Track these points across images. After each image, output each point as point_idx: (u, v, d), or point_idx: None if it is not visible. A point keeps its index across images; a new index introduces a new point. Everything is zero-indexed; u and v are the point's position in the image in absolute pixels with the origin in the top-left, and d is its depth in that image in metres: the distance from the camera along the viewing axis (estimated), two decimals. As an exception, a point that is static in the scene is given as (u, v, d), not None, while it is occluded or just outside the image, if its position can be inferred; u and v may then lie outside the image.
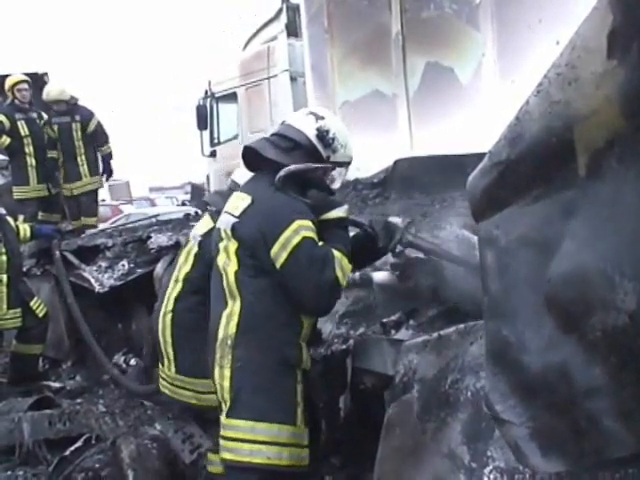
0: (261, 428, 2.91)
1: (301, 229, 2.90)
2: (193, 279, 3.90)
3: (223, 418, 3.04)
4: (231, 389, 2.99)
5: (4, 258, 5.91)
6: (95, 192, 8.72)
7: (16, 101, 8.31)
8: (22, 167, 8.34)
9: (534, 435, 1.57)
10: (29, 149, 8.31)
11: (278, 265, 2.92)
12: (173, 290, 3.94)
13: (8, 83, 8.43)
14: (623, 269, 1.31)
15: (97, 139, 8.53)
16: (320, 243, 2.96)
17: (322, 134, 3.09)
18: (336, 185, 3.21)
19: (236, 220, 3.06)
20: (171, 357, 3.87)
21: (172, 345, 3.86)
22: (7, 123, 8.17)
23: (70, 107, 8.38)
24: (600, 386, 1.40)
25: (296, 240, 2.89)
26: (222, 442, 3.03)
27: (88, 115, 8.48)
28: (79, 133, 8.37)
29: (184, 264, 3.98)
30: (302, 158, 3.07)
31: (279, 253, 2.90)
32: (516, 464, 1.86)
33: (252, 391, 2.95)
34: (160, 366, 4.02)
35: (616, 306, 1.32)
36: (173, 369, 3.88)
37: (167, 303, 3.93)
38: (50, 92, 8.35)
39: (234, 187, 3.81)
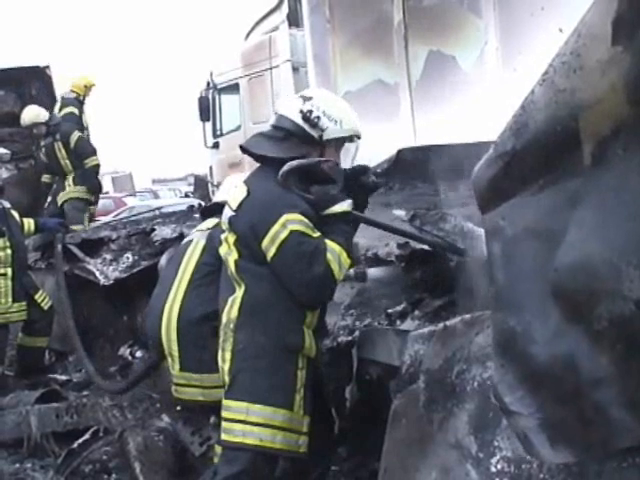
0: (255, 410, 2.94)
1: (289, 223, 2.90)
2: (201, 269, 3.87)
3: (223, 400, 3.07)
4: (230, 371, 3.02)
5: (9, 252, 5.93)
6: (79, 201, 8.40)
7: (81, 97, 8.88)
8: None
9: (543, 426, 1.56)
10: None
11: (268, 258, 2.95)
12: (180, 287, 3.89)
13: (86, 81, 9.01)
14: (629, 257, 1.31)
15: (80, 153, 8.32)
16: (317, 234, 2.95)
17: (306, 115, 3.04)
18: (349, 164, 3.20)
19: (233, 214, 3.09)
20: (175, 354, 3.82)
21: (177, 341, 3.81)
22: (77, 114, 8.75)
23: (51, 128, 8.24)
24: (607, 376, 1.39)
25: (284, 235, 2.90)
26: (222, 424, 3.06)
27: (68, 131, 8.32)
28: (63, 151, 8.25)
29: (190, 258, 3.94)
30: (296, 145, 3.06)
31: (268, 247, 2.93)
32: (523, 454, 1.86)
33: (250, 373, 2.98)
34: (167, 366, 4.00)
35: (622, 295, 1.31)
36: (177, 367, 3.84)
37: (175, 297, 3.87)
38: (25, 118, 8.24)
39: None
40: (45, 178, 8.66)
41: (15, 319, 6.03)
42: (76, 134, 8.31)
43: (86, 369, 5.71)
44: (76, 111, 8.77)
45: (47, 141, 8.28)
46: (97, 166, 8.49)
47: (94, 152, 8.47)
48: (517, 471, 2.04)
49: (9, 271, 5.93)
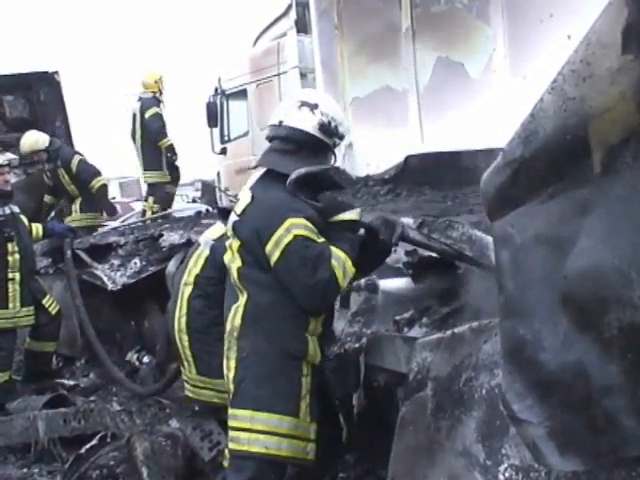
0: (260, 418, 2.93)
1: (293, 227, 2.89)
2: (201, 283, 3.93)
3: (229, 408, 3.06)
4: (235, 379, 3.02)
5: (17, 256, 5.94)
6: (82, 229, 7.92)
7: (157, 94, 9.02)
8: (159, 154, 8.93)
9: (551, 434, 1.56)
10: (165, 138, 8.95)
11: (272, 263, 2.94)
12: (184, 293, 3.97)
13: (153, 77, 9.09)
14: (639, 265, 1.30)
15: (84, 178, 8.10)
16: (321, 240, 2.94)
17: (325, 127, 3.04)
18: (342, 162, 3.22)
19: (237, 219, 3.08)
20: (190, 359, 3.93)
21: (189, 347, 3.91)
22: (161, 114, 8.95)
23: (52, 154, 8.02)
24: (617, 384, 1.39)
25: (287, 239, 2.89)
26: (229, 432, 3.06)
27: (68, 156, 8.12)
28: (67, 177, 8.06)
29: (194, 267, 4.01)
30: (310, 154, 3.05)
31: (272, 251, 2.92)
32: (531, 462, 1.86)
33: (254, 381, 2.97)
34: (182, 369, 4.06)
35: (632, 303, 1.31)
36: (194, 370, 3.94)
37: (180, 306, 3.96)
38: (24, 144, 7.99)
39: None
40: (47, 199, 8.47)
41: (23, 324, 6.04)
42: (76, 158, 8.12)
43: (113, 374, 5.73)
44: (159, 110, 8.93)
45: (49, 166, 8.09)
46: (104, 186, 8.37)
47: (98, 173, 8.31)
48: (525, 479, 2.03)
49: (17, 276, 5.93)
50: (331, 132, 3.06)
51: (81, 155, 8.35)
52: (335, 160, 3.18)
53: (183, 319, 3.94)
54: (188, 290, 3.98)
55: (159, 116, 8.92)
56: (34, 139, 8.04)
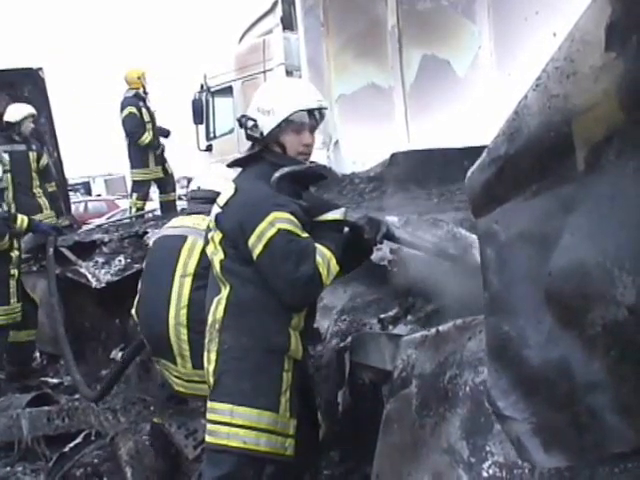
0: (240, 412, 2.92)
1: (277, 221, 2.87)
2: (201, 273, 3.87)
3: (207, 401, 3.06)
4: (215, 372, 3.01)
5: (17, 253, 6.07)
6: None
7: (139, 90, 8.93)
8: (141, 152, 8.90)
9: (536, 431, 1.56)
10: (149, 134, 8.84)
11: (254, 256, 2.91)
12: (184, 285, 3.91)
13: (134, 74, 9.01)
14: (622, 263, 1.31)
15: (46, 174, 8.07)
16: (305, 235, 2.93)
17: (240, 122, 3.04)
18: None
19: (219, 211, 3.06)
20: (186, 353, 3.85)
21: (188, 341, 3.84)
22: (137, 113, 8.79)
23: (34, 133, 7.94)
24: (600, 381, 1.39)
25: (271, 232, 2.86)
26: (206, 425, 3.06)
27: (41, 148, 8.08)
28: (35, 164, 7.88)
29: (189, 258, 3.95)
30: (255, 144, 3.07)
31: (255, 244, 2.89)
32: (515, 459, 1.87)
33: (235, 375, 2.96)
34: (171, 365, 3.98)
35: (616, 300, 1.31)
36: (189, 365, 3.86)
37: (179, 299, 3.89)
38: (17, 109, 7.84)
39: (195, 195, 4.08)
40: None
41: (17, 319, 6.20)
42: (46, 155, 8.11)
43: (71, 373, 5.69)
44: (134, 110, 8.82)
45: (18, 148, 7.80)
46: (56, 193, 8.37)
47: (53, 179, 8.38)
48: (509, 476, 2.04)
49: (16, 272, 6.18)
50: (246, 126, 3.02)
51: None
52: (283, 149, 3.05)
53: (183, 311, 3.86)
54: (188, 282, 3.91)
55: (132, 116, 8.82)
56: (30, 106, 7.98)
